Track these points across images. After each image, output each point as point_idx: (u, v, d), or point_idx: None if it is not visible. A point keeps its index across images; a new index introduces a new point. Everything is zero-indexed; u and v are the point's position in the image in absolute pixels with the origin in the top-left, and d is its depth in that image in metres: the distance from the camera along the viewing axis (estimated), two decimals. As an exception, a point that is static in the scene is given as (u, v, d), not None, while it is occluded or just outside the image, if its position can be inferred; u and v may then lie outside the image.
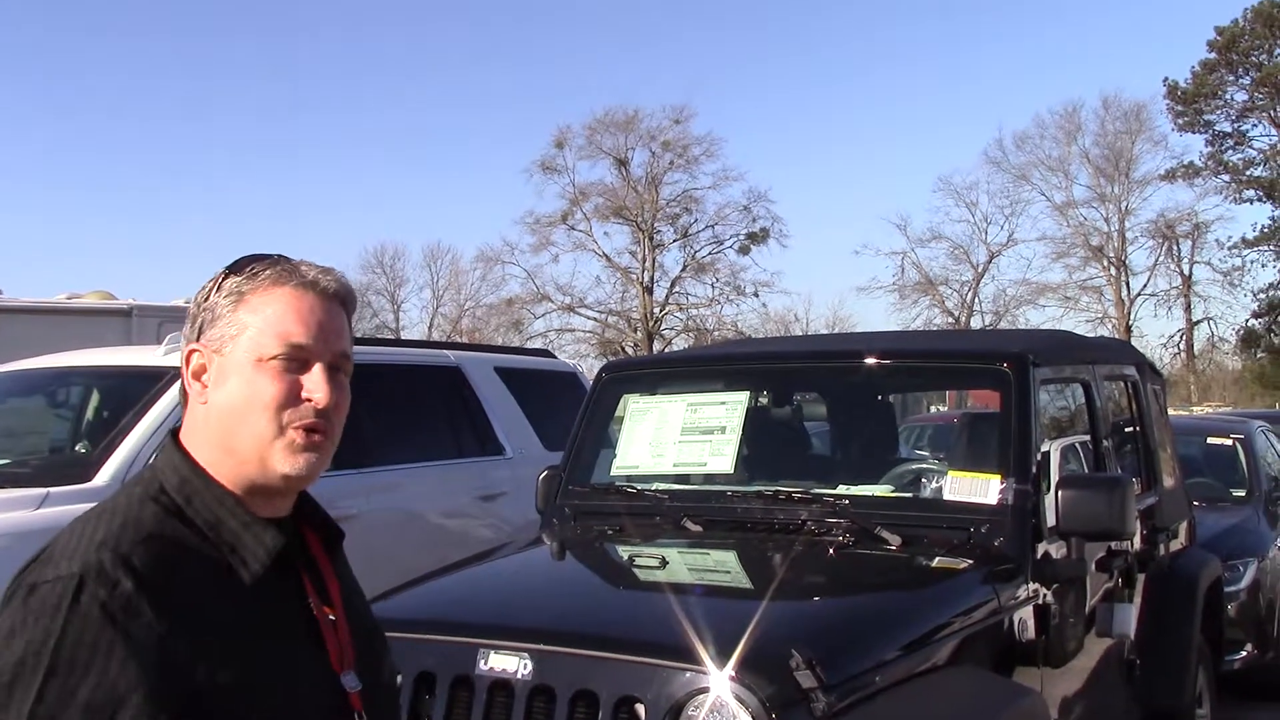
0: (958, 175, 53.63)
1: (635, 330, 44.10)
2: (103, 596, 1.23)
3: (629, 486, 4.16)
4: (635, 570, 3.71)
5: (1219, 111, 41.21)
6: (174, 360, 5.03)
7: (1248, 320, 41.73)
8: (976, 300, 45.01)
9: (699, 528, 3.83)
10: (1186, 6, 56.19)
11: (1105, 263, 43.38)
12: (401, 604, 3.24)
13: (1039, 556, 3.55)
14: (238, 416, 1.36)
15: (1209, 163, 41.23)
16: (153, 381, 4.93)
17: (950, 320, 44.15)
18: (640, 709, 2.61)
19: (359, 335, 4.06)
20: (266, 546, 1.37)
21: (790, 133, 64.65)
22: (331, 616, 1.43)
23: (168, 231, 64.05)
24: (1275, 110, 40.34)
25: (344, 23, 62.66)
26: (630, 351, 41.62)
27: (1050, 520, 3.62)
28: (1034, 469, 3.64)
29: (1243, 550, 6.61)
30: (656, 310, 44.17)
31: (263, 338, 1.37)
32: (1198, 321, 43.04)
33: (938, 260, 45.56)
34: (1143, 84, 78.17)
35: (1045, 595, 3.56)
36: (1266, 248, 40.85)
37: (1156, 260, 43.19)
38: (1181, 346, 43.19)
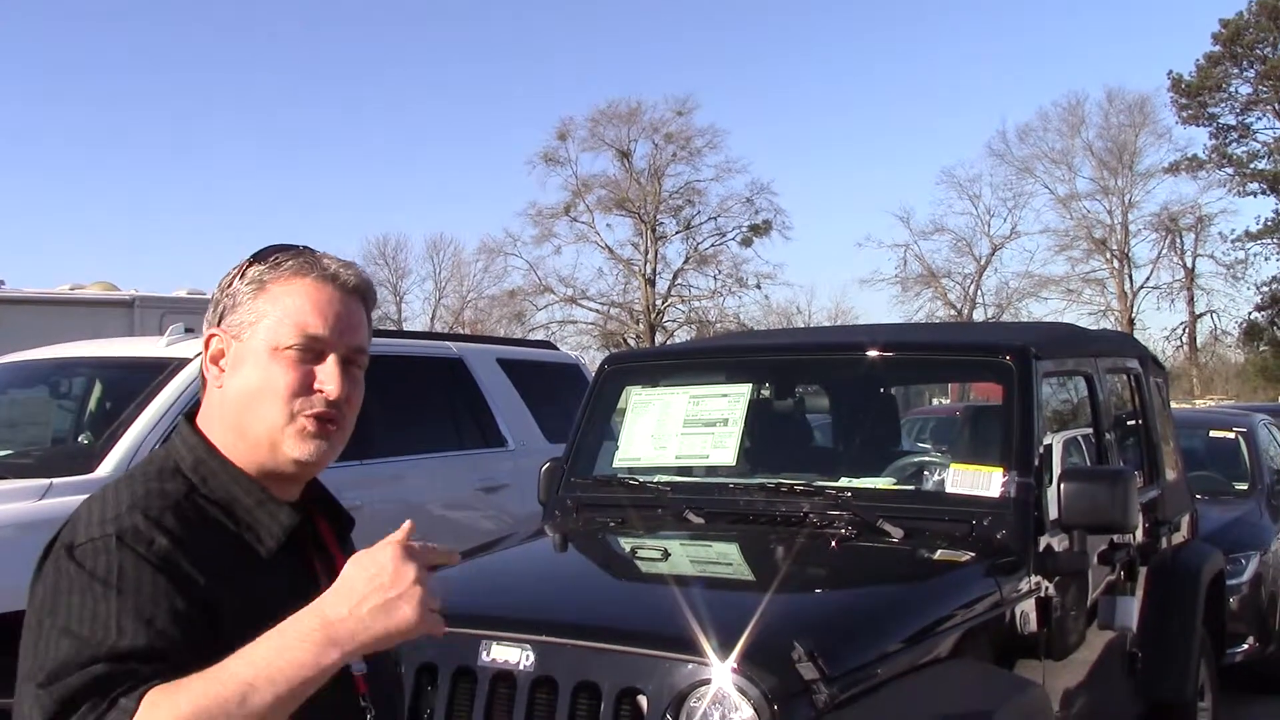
0: (961, 168, 53.38)
1: (637, 322, 44.09)
2: (142, 551, 1.26)
3: (631, 478, 4.17)
4: (637, 562, 3.72)
5: (1223, 104, 41.14)
6: (176, 351, 5.07)
7: (1251, 313, 41.73)
8: (979, 293, 45.01)
9: (701, 520, 3.83)
10: (1191, -1, 55.99)
11: (1108, 255, 43.33)
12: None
13: (1041, 549, 3.55)
14: (252, 402, 1.39)
15: (1213, 156, 41.16)
16: (155, 372, 4.94)
17: (953, 313, 44.10)
18: (642, 700, 2.61)
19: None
20: (282, 523, 1.40)
21: (793, 125, 64.55)
22: None
23: (170, 223, 64.05)
24: (1279, 103, 40.27)
25: (347, 14, 62.59)
26: (632, 343, 41.60)
27: (1052, 513, 3.62)
28: (1036, 462, 3.64)
29: (1245, 543, 6.61)
30: (659, 302, 44.17)
31: (280, 327, 1.40)
32: (1200, 315, 43.01)
33: (940, 253, 45.54)
34: (1147, 77, 78.24)
35: (1047, 588, 3.56)
36: (1270, 241, 40.78)
37: (1160, 253, 43.16)
38: (1184, 339, 43.15)
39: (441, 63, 64.77)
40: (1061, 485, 3.59)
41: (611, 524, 3.97)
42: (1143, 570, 4.38)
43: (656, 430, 4.18)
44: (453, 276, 49.20)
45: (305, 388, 1.39)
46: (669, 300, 44.61)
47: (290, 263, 1.43)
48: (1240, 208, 45.53)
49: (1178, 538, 5.06)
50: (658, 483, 4.09)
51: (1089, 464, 4.47)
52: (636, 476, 4.16)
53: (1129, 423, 5.03)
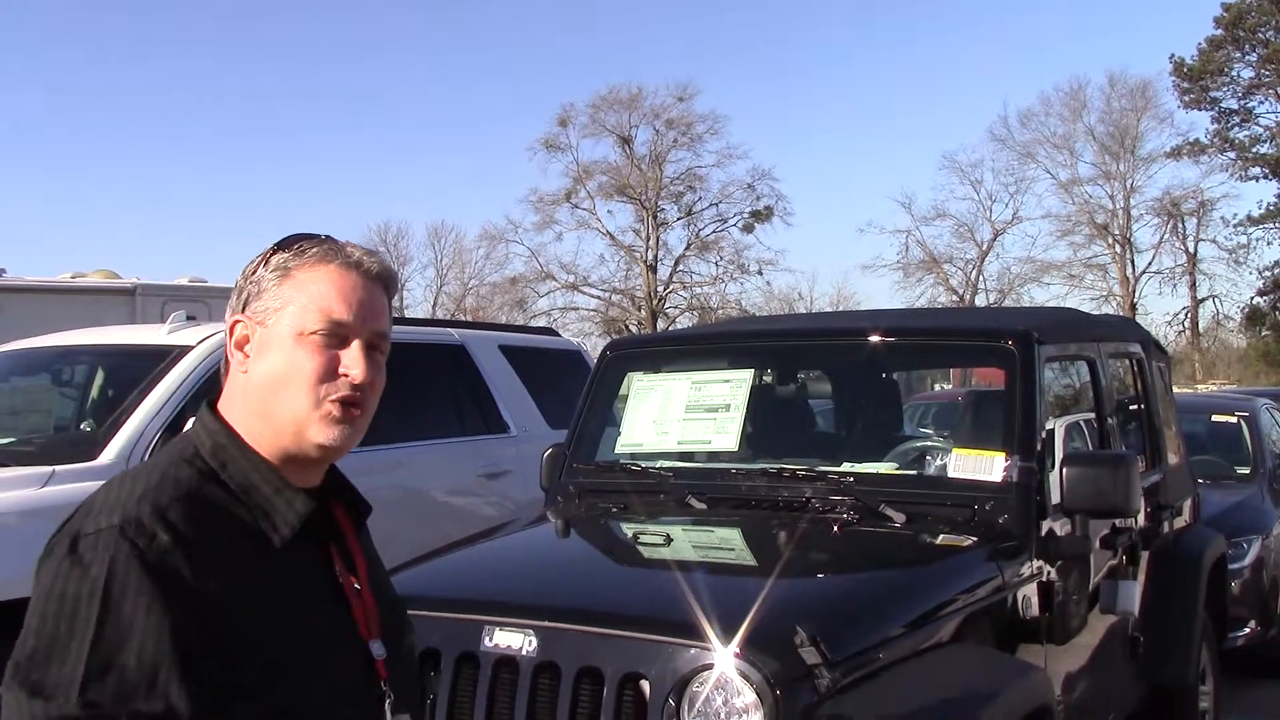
0: (962, 153, 53.44)
1: (639, 308, 44.05)
2: (141, 547, 1.26)
3: (633, 464, 4.17)
4: (640, 547, 3.72)
5: (1225, 88, 40.99)
6: (178, 339, 5.07)
7: (1253, 298, 41.67)
8: (981, 278, 44.94)
9: (703, 505, 3.83)
10: (1193, -18, 55.80)
11: (1110, 240, 43.26)
12: (406, 581, 3.23)
13: (1043, 534, 3.56)
14: (277, 387, 1.40)
15: (1215, 140, 41.05)
16: (157, 360, 4.94)
17: (955, 298, 44.05)
18: (645, 685, 2.62)
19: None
20: (297, 511, 1.41)
21: (794, 110, 64.41)
22: (357, 586, 1.47)
23: (172, 211, 64.02)
24: (1282, 87, 40.15)
25: (348, 1, 62.41)
26: (634, 330, 41.60)
27: (1055, 497, 3.63)
28: (1039, 446, 3.64)
29: (1247, 528, 6.62)
30: (660, 288, 44.12)
31: (305, 313, 1.41)
32: (1203, 299, 42.94)
33: (942, 238, 45.48)
34: (1149, 61, 77.98)
35: (1049, 572, 3.56)
36: (1272, 225, 40.69)
37: (1162, 238, 43.07)
38: (1186, 324, 43.09)
39: (442, 49, 64.71)
40: (1064, 470, 3.59)
41: (614, 509, 3.97)
42: (1144, 555, 4.38)
43: (659, 416, 4.18)
44: (454, 264, 49.23)
45: (330, 373, 1.40)
46: (670, 287, 44.56)
47: (314, 250, 1.45)
48: (1242, 192, 45.56)
49: (1180, 522, 5.06)
50: (660, 468, 4.09)
51: (1091, 449, 4.46)
52: (639, 462, 4.16)
53: (1131, 407, 5.03)
